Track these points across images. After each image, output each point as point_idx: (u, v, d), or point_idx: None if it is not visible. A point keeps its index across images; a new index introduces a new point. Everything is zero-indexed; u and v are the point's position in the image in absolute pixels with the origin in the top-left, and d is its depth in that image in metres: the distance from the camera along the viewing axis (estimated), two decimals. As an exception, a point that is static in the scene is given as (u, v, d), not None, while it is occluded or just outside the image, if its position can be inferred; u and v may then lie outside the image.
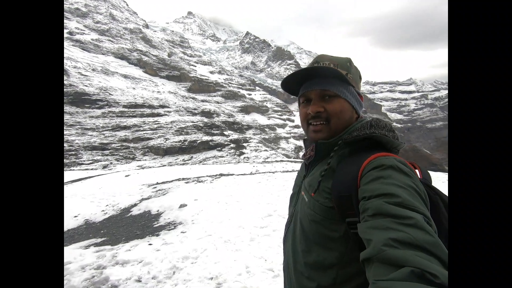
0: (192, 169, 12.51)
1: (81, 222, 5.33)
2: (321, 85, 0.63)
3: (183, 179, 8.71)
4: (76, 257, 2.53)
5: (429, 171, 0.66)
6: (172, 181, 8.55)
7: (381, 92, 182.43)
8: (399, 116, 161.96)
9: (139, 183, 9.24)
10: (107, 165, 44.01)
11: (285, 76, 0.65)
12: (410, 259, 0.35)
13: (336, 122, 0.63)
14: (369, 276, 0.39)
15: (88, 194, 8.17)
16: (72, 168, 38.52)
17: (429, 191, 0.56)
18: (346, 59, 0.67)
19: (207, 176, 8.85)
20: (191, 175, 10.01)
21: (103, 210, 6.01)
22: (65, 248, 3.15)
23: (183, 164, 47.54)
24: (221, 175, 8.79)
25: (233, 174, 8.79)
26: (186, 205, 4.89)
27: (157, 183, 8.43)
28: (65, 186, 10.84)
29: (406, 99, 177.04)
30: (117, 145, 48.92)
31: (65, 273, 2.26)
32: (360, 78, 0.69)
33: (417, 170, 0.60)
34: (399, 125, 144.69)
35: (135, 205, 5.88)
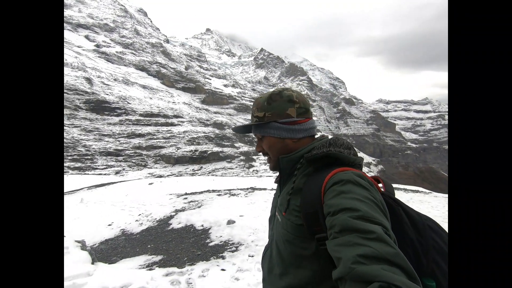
0: (216, 181, 12.14)
1: (117, 232, 4.98)
2: (253, 131, 0.77)
3: (213, 191, 8.32)
4: (149, 282, 2.13)
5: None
6: (202, 192, 8.18)
7: (395, 110, 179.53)
8: (414, 136, 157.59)
9: (165, 192, 8.92)
10: (120, 171, 44.55)
11: (237, 126, 0.78)
12: (377, 273, 0.38)
13: (272, 155, 0.74)
14: None
15: (116, 201, 7.91)
16: (87, 172, 39.27)
17: (391, 202, 0.61)
18: (265, 98, 0.73)
19: (238, 189, 8.42)
20: (218, 187, 9.62)
21: (137, 220, 5.66)
22: (122, 264, 2.77)
23: (193, 174, 47.51)
24: (253, 189, 8.35)
25: (266, 189, 8.32)
26: (234, 221, 4.45)
27: (186, 194, 8.08)
28: (90, 191, 10.70)
29: (421, 119, 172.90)
30: (131, 152, 49.78)
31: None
32: (292, 101, 0.71)
33: (380, 184, 0.66)
34: (414, 145, 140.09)
35: (171, 217, 5.50)
